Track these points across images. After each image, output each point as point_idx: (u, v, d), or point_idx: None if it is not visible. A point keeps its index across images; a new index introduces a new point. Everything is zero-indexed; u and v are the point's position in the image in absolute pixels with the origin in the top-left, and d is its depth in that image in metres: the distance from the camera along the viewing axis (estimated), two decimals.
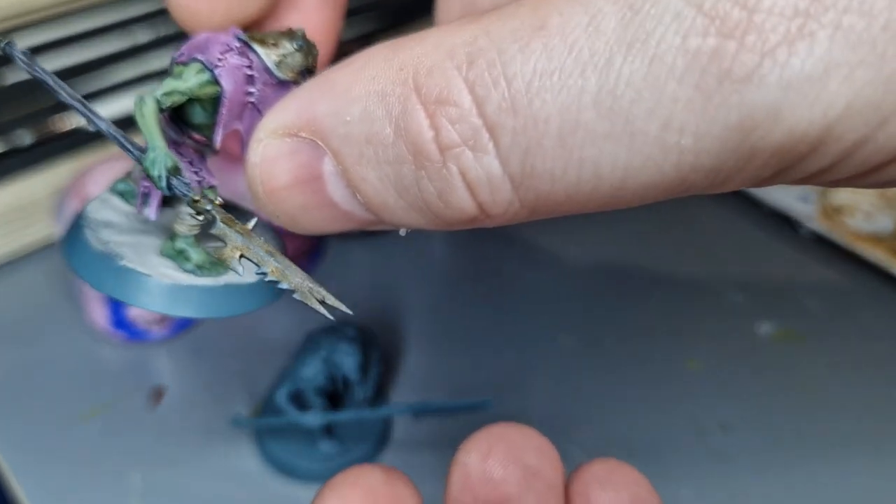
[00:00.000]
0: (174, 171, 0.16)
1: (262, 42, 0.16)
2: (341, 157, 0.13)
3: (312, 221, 0.15)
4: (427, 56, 0.13)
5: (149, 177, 0.16)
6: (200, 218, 0.17)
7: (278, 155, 0.14)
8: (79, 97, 0.17)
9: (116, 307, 0.31)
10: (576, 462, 0.29)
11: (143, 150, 0.16)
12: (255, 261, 0.17)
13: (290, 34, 0.16)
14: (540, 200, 0.13)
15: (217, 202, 0.17)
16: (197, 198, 0.16)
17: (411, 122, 0.13)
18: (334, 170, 0.14)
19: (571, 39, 0.12)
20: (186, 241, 0.17)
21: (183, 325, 0.33)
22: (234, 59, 0.16)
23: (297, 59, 0.16)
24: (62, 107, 0.39)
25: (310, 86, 0.14)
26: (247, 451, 0.29)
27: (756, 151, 0.12)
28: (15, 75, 0.41)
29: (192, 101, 0.16)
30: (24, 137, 0.38)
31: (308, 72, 0.16)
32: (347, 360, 0.27)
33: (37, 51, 0.42)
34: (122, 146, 0.17)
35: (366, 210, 0.14)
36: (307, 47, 0.16)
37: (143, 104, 0.16)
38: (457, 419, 0.30)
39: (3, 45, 0.17)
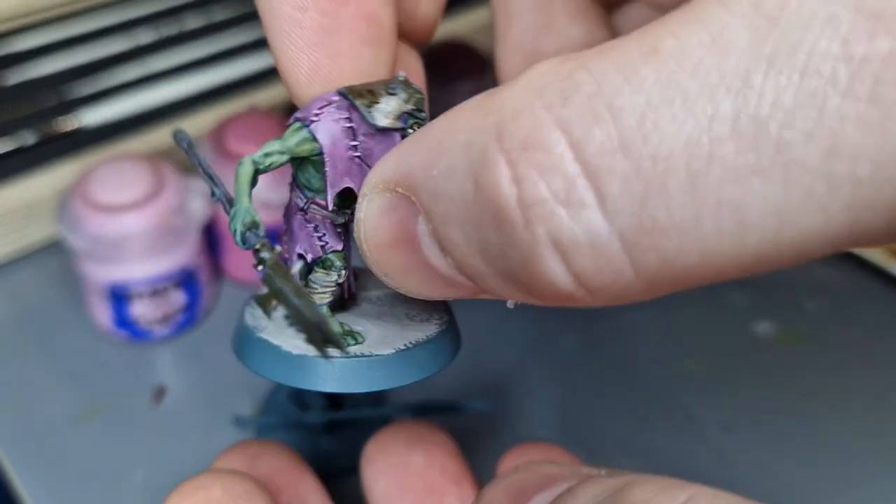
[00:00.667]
0: (251, 226, 0.16)
1: (359, 93, 0.15)
2: (431, 215, 0.12)
3: (416, 285, 0.13)
4: (515, 97, 0.11)
5: (231, 228, 0.16)
6: (330, 281, 0.16)
7: (380, 211, 0.13)
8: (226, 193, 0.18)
9: (119, 307, 0.31)
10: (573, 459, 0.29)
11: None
12: (287, 315, 0.16)
13: (388, 80, 0.16)
14: (663, 266, 0.10)
15: (275, 251, 0.15)
16: (257, 246, 0.15)
17: (488, 175, 0.10)
18: (426, 230, 0.12)
19: (694, 61, 0.09)
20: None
21: (185, 325, 0.33)
22: (331, 113, 0.15)
23: (393, 104, 0.15)
24: (65, 107, 0.39)
25: (411, 137, 0.13)
26: None
27: None
28: (17, 75, 0.41)
29: (304, 163, 0.16)
30: (28, 137, 0.38)
31: (411, 116, 0.15)
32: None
33: (38, 52, 0.42)
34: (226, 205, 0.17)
35: (459, 274, 0.12)
36: (405, 89, 0.15)
37: (240, 165, 0.16)
38: (457, 419, 0.30)
39: (174, 133, 0.18)
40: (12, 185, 0.35)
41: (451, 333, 0.17)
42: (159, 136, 0.38)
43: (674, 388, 0.32)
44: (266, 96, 0.41)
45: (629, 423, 0.31)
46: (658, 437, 0.30)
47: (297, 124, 0.15)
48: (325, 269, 0.16)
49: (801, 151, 0.09)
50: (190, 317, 0.33)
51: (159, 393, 0.31)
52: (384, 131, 0.15)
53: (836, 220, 0.09)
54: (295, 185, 0.16)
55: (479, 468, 0.30)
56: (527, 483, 0.14)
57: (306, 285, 0.17)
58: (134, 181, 0.30)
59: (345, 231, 0.16)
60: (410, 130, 0.15)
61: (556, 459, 0.19)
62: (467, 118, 0.11)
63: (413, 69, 0.19)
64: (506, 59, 0.19)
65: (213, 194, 0.18)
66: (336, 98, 0.15)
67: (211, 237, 0.34)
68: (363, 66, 0.16)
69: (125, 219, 0.29)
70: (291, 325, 0.16)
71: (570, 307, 0.11)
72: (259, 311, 0.17)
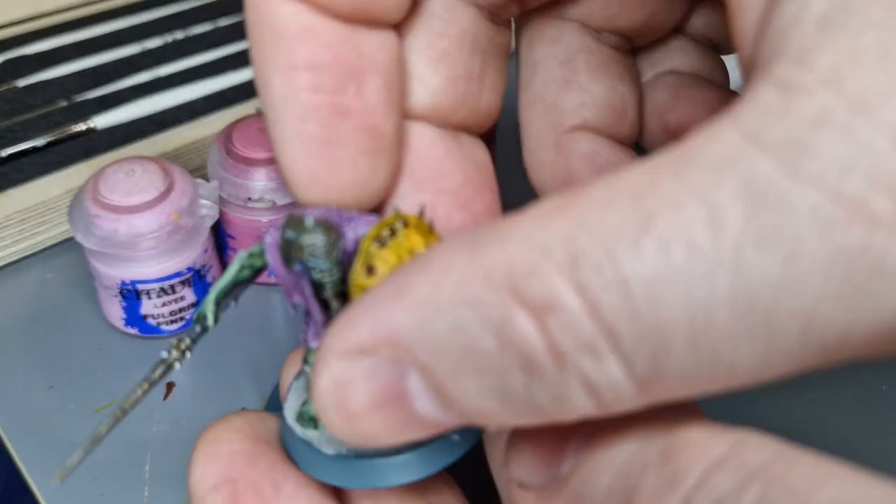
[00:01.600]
0: (199, 318, 0.18)
1: (293, 223, 0.15)
2: (432, 372, 0.12)
3: (394, 437, 0.13)
4: (520, 257, 0.11)
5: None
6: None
7: (354, 378, 0.13)
8: None
9: (130, 305, 0.32)
10: None
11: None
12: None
13: (327, 228, 0.15)
14: (666, 396, 0.12)
15: (185, 346, 0.18)
16: (177, 340, 0.17)
17: (517, 332, 0.11)
18: (422, 385, 0.12)
19: (690, 238, 0.11)
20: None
21: (192, 323, 0.34)
22: (275, 235, 0.16)
23: (309, 251, 0.15)
24: (77, 110, 0.40)
25: (380, 296, 0.12)
26: None
27: None
28: (30, 79, 0.42)
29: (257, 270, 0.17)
30: (40, 139, 0.39)
31: (318, 260, 0.15)
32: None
33: (50, 57, 0.43)
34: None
35: (459, 418, 0.13)
36: (327, 244, 0.15)
37: (232, 266, 0.17)
38: None
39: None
40: (26, 186, 0.36)
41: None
42: (168, 138, 0.39)
43: None
44: None
45: None
46: None
47: (259, 243, 0.17)
48: (306, 361, 0.18)
49: (784, 322, 0.11)
50: None
51: (167, 388, 0.32)
52: (296, 273, 0.16)
53: (805, 366, 0.11)
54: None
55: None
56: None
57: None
58: (144, 182, 0.31)
59: (309, 322, 0.17)
60: (322, 277, 0.15)
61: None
62: (462, 275, 0.12)
63: (480, 158, 0.20)
64: (528, 109, 0.20)
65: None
66: (280, 223, 0.16)
67: (219, 237, 0.35)
68: (361, 175, 0.16)
69: (135, 219, 0.30)
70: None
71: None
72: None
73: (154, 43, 0.46)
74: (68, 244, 0.38)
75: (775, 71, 0.11)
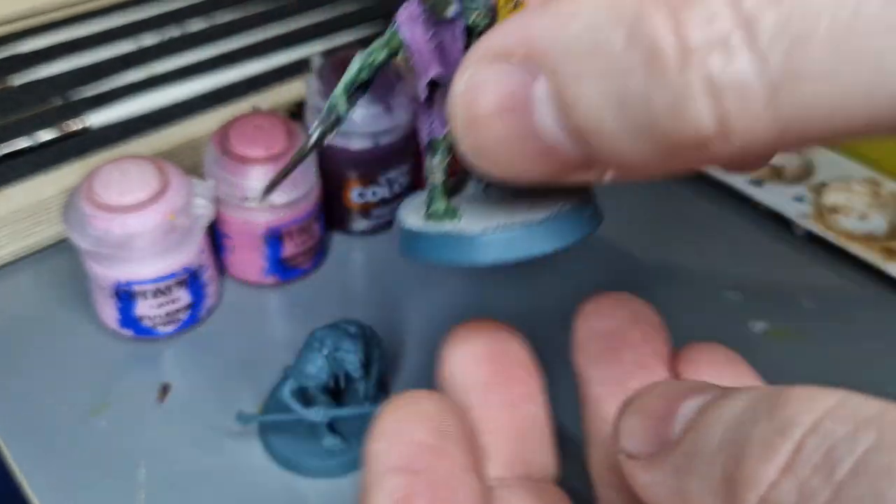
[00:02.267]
0: (331, 108, 0.19)
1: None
2: (558, 74, 0.12)
3: (509, 158, 0.13)
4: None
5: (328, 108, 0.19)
6: (436, 163, 0.18)
7: (486, 81, 0.13)
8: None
9: (124, 306, 0.32)
10: (573, 457, 0.30)
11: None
12: None
13: None
14: (797, 113, 0.11)
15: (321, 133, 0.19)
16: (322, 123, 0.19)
17: (647, 26, 0.11)
18: (546, 92, 0.12)
19: None
20: (435, 190, 0.18)
21: (188, 324, 0.34)
22: (412, 9, 0.17)
23: (476, 13, 0.16)
24: (71, 109, 0.40)
25: (525, 11, 0.13)
26: (251, 446, 0.30)
27: None
28: (24, 77, 0.42)
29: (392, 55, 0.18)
30: (34, 138, 0.38)
31: (486, 22, 0.16)
32: (350, 358, 0.27)
33: (45, 55, 0.43)
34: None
35: (573, 140, 0.12)
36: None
37: (352, 61, 0.18)
38: None
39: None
40: (19, 186, 0.36)
41: (591, 208, 0.18)
42: (164, 137, 0.39)
43: None
44: (268, 98, 0.42)
45: None
46: None
47: (391, 28, 0.17)
48: (432, 151, 0.18)
49: None
50: (194, 315, 0.33)
51: (163, 390, 0.32)
52: (450, 21, 0.16)
53: None
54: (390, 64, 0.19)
55: None
56: (679, 388, 0.14)
57: (430, 174, 0.18)
58: (139, 182, 0.30)
59: (439, 113, 0.18)
60: (477, 19, 0.16)
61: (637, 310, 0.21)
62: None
63: None
64: None
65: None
66: (413, 2, 0.17)
67: (214, 237, 0.35)
68: None
69: (130, 219, 0.30)
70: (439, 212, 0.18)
71: (700, 158, 0.12)
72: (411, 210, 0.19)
73: (149, 40, 0.45)
74: (63, 245, 0.37)
75: None
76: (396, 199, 0.39)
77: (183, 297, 0.32)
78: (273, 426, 0.30)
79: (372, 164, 0.37)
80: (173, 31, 0.46)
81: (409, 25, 0.17)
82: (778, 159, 0.44)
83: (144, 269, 0.31)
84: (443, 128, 0.18)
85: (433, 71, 0.17)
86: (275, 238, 0.34)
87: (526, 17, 0.13)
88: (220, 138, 0.33)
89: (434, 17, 0.16)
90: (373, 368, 0.28)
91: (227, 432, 0.30)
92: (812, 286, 0.38)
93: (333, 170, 0.37)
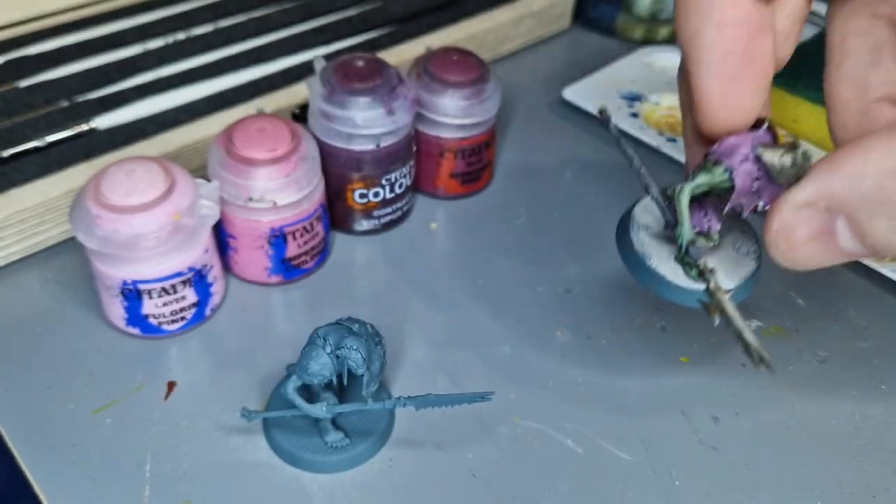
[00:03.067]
0: (691, 243, 0.25)
1: (775, 159, 0.23)
2: (854, 216, 0.20)
3: (819, 262, 0.22)
4: None
5: (677, 242, 0.26)
6: (708, 245, 0.26)
7: (798, 221, 0.21)
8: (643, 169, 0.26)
9: (131, 304, 0.32)
10: (570, 454, 0.30)
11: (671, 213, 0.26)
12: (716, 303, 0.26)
13: (793, 149, 0.23)
14: None
15: (708, 267, 0.26)
16: (698, 262, 0.26)
17: None
18: (845, 226, 0.20)
19: None
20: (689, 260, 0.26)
21: (194, 322, 0.34)
22: (747, 167, 0.24)
23: (791, 174, 0.23)
24: (78, 111, 0.40)
25: (820, 171, 0.20)
26: (255, 442, 0.30)
27: None
28: (32, 79, 0.42)
29: (712, 190, 0.25)
30: (42, 139, 0.39)
31: (797, 179, 0.22)
32: (353, 355, 0.28)
33: (52, 57, 0.43)
34: (661, 209, 0.26)
35: (867, 250, 0.21)
36: (803, 163, 0.23)
37: (681, 192, 0.25)
38: (458, 412, 0.31)
39: (603, 112, 0.27)
40: (26, 186, 0.36)
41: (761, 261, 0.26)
42: (169, 139, 0.39)
43: (667, 382, 0.33)
44: (272, 101, 0.42)
45: (624, 415, 0.32)
46: (652, 428, 0.31)
47: (723, 168, 0.24)
48: (706, 238, 0.26)
49: None
50: (199, 313, 0.34)
51: (169, 387, 0.32)
52: (777, 183, 0.23)
53: None
54: (712, 193, 0.25)
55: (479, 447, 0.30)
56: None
57: (683, 251, 0.26)
58: (145, 182, 0.31)
59: (719, 217, 0.26)
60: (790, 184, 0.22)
61: None
62: (885, 154, 0.19)
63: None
64: (838, 84, 0.25)
65: (646, 189, 0.26)
66: (752, 156, 0.23)
67: (219, 237, 0.35)
68: (754, 102, 0.24)
69: (136, 219, 0.30)
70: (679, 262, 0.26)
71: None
72: (643, 237, 0.27)
73: (155, 44, 0.46)
74: (69, 244, 0.38)
75: None
76: (397, 199, 0.39)
77: (189, 295, 0.33)
78: (277, 422, 0.30)
79: (374, 165, 0.37)
80: (179, 36, 0.47)
81: (742, 172, 0.24)
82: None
83: (150, 268, 0.31)
84: (718, 226, 0.26)
85: (739, 200, 0.24)
86: (278, 238, 0.35)
87: (823, 175, 0.20)
88: (224, 140, 0.34)
89: (768, 176, 0.23)
90: (374, 365, 0.28)
91: (232, 429, 0.30)
92: (806, 285, 0.38)
93: (336, 171, 0.37)
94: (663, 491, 0.29)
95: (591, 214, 0.42)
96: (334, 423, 0.30)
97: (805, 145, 0.25)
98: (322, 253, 0.37)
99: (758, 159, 0.23)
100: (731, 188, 0.24)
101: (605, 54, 0.54)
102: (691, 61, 0.24)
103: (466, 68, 0.39)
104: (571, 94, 0.48)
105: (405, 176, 0.39)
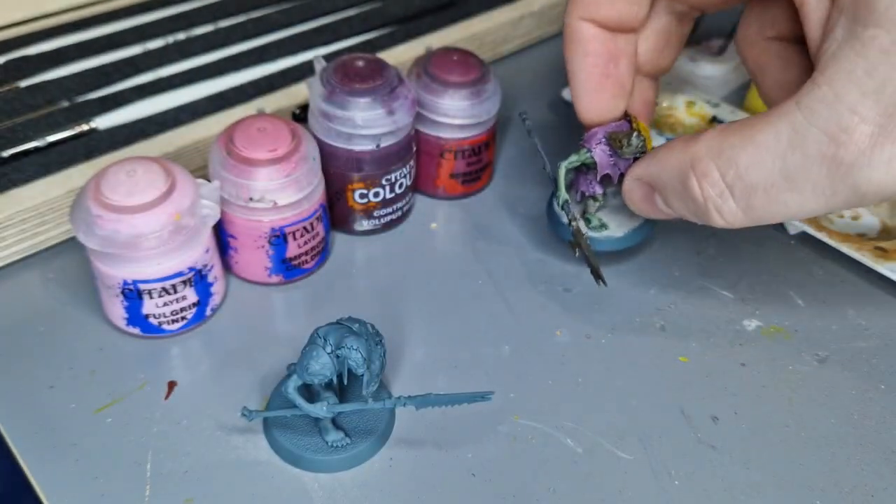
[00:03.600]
0: (565, 204, 0.34)
1: (618, 141, 0.33)
2: (662, 193, 0.31)
3: (647, 212, 0.32)
4: (701, 151, 0.28)
5: (557, 203, 0.35)
6: (595, 205, 0.36)
7: (635, 187, 0.32)
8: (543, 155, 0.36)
9: (132, 304, 0.32)
10: (570, 453, 0.30)
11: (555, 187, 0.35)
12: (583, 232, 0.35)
13: (630, 134, 0.32)
14: (750, 216, 0.27)
15: (575, 221, 0.34)
16: (569, 217, 0.34)
17: (689, 183, 0.28)
18: (659, 195, 0.31)
19: (766, 149, 0.26)
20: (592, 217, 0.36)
21: (194, 322, 0.34)
22: (601, 148, 0.33)
23: (634, 150, 0.32)
24: (79, 111, 0.40)
25: (647, 158, 0.31)
26: (256, 442, 0.30)
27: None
28: (32, 79, 0.42)
29: (584, 165, 0.34)
30: (42, 139, 0.39)
31: (637, 153, 0.33)
32: (353, 354, 0.28)
33: (52, 57, 0.43)
34: (551, 181, 0.35)
35: (674, 213, 0.31)
36: (640, 141, 0.32)
37: (559, 167, 0.34)
38: (458, 411, 0.31)
39: (521, 115, 0.37)
40: (27, 186, 0.36)
41: (652, 225, 0.37)
42: (170, 139, 0.39)
43: (667, 382, 0.33)
44: (273, 101, 0.42)
45: (623, 415, 0.32)
46: (651, 427, 0.31)
47: (585, 150, 0.34)
48: (594, 199, 0.36)
49: (806, 184, 0.26)
50: (200, 313, 0.34)
51: (169, 387, 0.32)
52: (626, 159, 0.33)
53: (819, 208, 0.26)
54: (585, 167, 0.35)
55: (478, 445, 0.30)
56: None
57: (585, 209, 0.36)
58: (146, 183, 0.31)
59: (600, 185, 0.35)
60: (636, 157, 0.33)
61: None
62: (677, 154, 0.29)
63: (648, 96, 0.36)
64: (767, 90, 0.33)
65: (544, 168, 0.36)
66: (604, 140, 0.33)
67: (220, 236, 0.35)
68: (615, 106, 0.34)
69: (137, 219, 0.30)
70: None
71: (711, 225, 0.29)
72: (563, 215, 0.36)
73: (155, 44, 0.46)
74: (70, 244, 0.38)
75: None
76: (397, 199, 0.39)
77: (189, 295, 0.33)
78: (277, 422, 0.30)
79: (374, 165, 0.37)
80: (179, 36, 0.47)
81: (598, 152, 0.33)
82: None
83: (151, 268, 0.32)
84: (600, 191, 0.35)
85: (604, 171, 0.34)
86: (279, 238, 0.35)
87: (646, 164, 0.31)
88: (225, 140, 0.34)
89: (616, 153, 0.33)
90: (374, 365, 0.28)
91: (233, 428, 0.31)
92: (805, 285, 0.38)
93: (336, 171, 0.37)
94: (662, 490, 0.29)
95: None
96: (334, 422, 0.30)
97: (644, 131, 0.33)
98: (322, 253, 0.37)
99: (607, 142, 0.33)
100: (595, 163, 0.33)
101: None
102: (570, 78, 0.34)
103: (466, 68, 0.39)
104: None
105: (405, 176, 0.39)
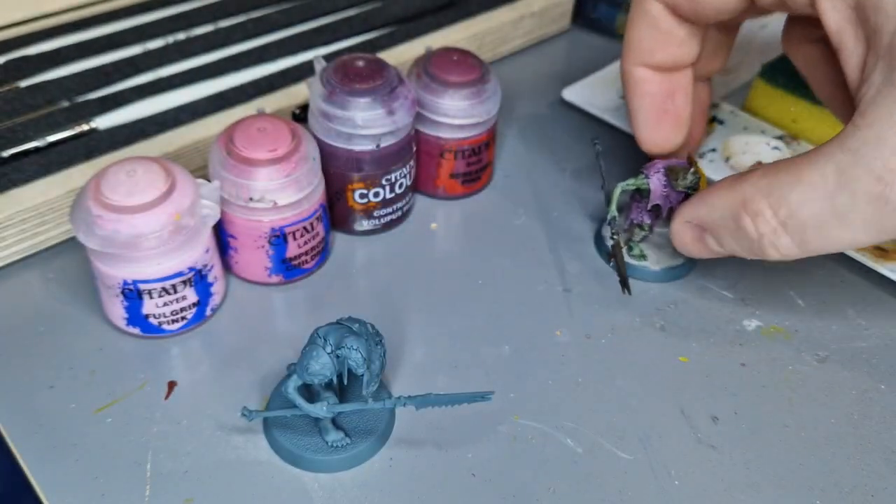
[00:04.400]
0: (612, 220, 0.36)
1: (674, 173, 0.35)
2: (714, 234, 0.32)
3: (695, 252, 0.34)
4: (750, 191, 0.29)
5: (607, 216, 0.37)
6: (642, 234, 0.39)
7: (686, 230, 0.33)
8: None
9: (131, 304, 0.32)
10: (570, 453, 0.30)
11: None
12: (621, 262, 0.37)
13: (687, 170, 0.35)
14: (804, 249, 0.29)
15: (618, 236, 0.36)
16: (613, 231, 0.36)
17: (743, 223, 0.30)
18: (710, 236, 0.32)
19: (813, 188, 0.27)
20: (637, 247, 0.39)
21: (194, 322, 0.34)
22: (658, 177, 0.36)
23: (687, 185, 0.35)
24: (79, 111, 0.40)
25: (695, 202, 0.32)
26: (256, 442, 0.30)
27: None
28: (32, 79, 0.42)
29: (638, 191, 0.37)
30: (42, 139, 0.39)
31: (690, 189, 0.35)
32: (353, 354, 0.28)
33: (52, 57, 0.43)
34: (606, 199, 0.37)
35: (726, 251, 0.32)
36: (695, 178, 0.35)
37: (615, 187, 0.36)
38: (458, 411, 0.31)
39: (592, 140, 0.40)
40: (27, 186, 0.36)
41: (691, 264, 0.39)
42: (170, 139, 0.39)
43: (667, 382, 0.33)
44: (273, 101, 0.42)
45: (623, 415, 0.32)
46: (651, 427, 0.31)
47: (643, 175, 0.36)
48: (640, 228, 0.38)
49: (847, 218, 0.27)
50: (200, 313, 0.34)
51: (169, 387, 0.32)
52: (679, 191, 0.35)
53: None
54: (639, 194, 0.37)
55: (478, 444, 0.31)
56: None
57: (630, 236, 0.38)
58: (146, 183, 0.31)
59: (649, 215, 0.37)
60: (690, 192, 0.35)
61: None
62: (726, 194, 0.31)
63: (703, 98, 0.39)
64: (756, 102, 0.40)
65: (602, 187, 0.38)
66: (662, 171, 0.36)
67: (220, 236, 0.35)
68: (675, 139, 0.37)
69: (137, 219, 0.30)
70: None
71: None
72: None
73: (156, 44, 0.46)
74: (70, 244, 0.38)
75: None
76: (397, 199, 0.39)
77: (189, 295, 0.33)
78: (277, 422, 0.30)
79: (374, 165, 0.37)
80: (180, 36, 0.47)
81: (654, 180, 0.36)
82: (771, 160, 0.45)
83: (151, 268, 0.32)
84: (649, 220, 0.37)
85: (656, 200, 0.36)
86: (279, 238, 0.35)
87: (697, 203, 0.32)
88: (225, 140, 0.34)
89: (671, 185, 0.35)
90: (374, 365, 0.28)
91: (233, 428, 0.31)
92: (805, 285, 0.38)
93: (336, 171, 0.37)
94: (662, 490, 0.29)
95: (591, 214, 0.42)
96: (335, 422, 0.30)
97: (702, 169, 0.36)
98: (322, 253, 0.37)
99: (665, 172, 0.35)
100: (649, 190, 0.36)
101: (605, 54, 0.54)
102: (630, 114, 0.37)
103: (466, 69, 0.39)
104: (571, 94, 0.48)
105: (405, 176, 0.39)
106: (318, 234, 0.36)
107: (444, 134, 0.40)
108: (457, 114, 0.39)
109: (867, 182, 0.26)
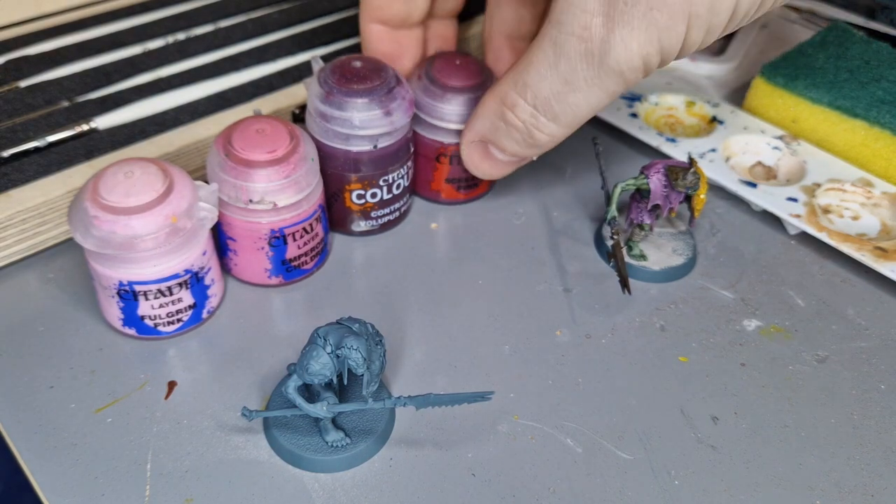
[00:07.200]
0: (612, 220, 0.36)
1: (675, 173, 0.35)
2: (494, 142, 0.35)
3: (494, 172, 0.37)
4: (504, 88, 0.32)
5: (606, 216, 0.37)
6: (642, 233, 0.39)
7: (472, 149, 0.36)
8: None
9: (127, 305, 0.32)
10: (570, 453, 0.30)
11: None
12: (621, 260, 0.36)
13: (687, 170, 0.35)
14: (561, 123, 0.32)
15: (618, 238, 0.36)
16: (613, 231, 0.36)
17: (508, 118, 0.33)
18: (493, 147, 0.35)
19: (541, 64, 0.30)
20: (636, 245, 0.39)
21: (191, 323, 0.34)
22: (658, 177, 0.36)
23: (687, 184, 0.35)
24: (78, 111, 0.40)
25: (471, 116, 0.36)
26: (256, 441, 0.30)
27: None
28: (32, 79, 0.42)
29: (638, 190, 0.37)
30: (41, 140, 0.39)
31: (690, 189, 0.36)
32: (353, 354, 0.28)
33: (52, 57, 0.43)
34: (606, 198, 0.37)
35: (510, 156, 0.35)
36: (695, 178, 0.35)
37: (615, 186, 0.36)
38: (458, 411, 0.31)
39: (593, 139, 0.40)
40: (27, 186, 0.36)
41: (693, 259, 0.39)
42: (170, 139, 0.39)
43: (667, 382, 0.33)
44: (271, 102, 0.42)
45: (623, 415, 0.32)
46: (651, 427, 0.31)
47: (643, 175, 0.36)
48: (640, 228, 0.38)
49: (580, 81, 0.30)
50: (196, 316, 0.34)
51: (169, 387, 0.32)
52: (677, 190, 0.36)
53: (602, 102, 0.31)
54: (639, 194, 0.37)
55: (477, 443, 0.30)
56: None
57: (630, 236, 0.39)
58: (143, 184, 0.31)
59: (649, 215, 0.37)
60: (690, 192, 0.36)
61: None
62: (489, 101, 0.34)
63: (448, 33, 0.42)
64: (487, 32, 0.41)
65: (602, 187, 0.38)
66: (663, 171, 0.36)
67: (218, 239, 0.35)
68: (415, 42, 0.40)
69: (134, 220, 0.30)
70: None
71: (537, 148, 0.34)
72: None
73: (155, 44, 0.46)
74: (69, 244, 0.38)
75: None
76: (395, 200, 0.39)
77: (185, 297, 0.33)
78: (277, 422, 0.30)
79: (371, 166, 0.37)
80: (179, 36, 0.47)
81: (654, 180, 0.36)
82: (771, 160, 0.45)
83: (147, 269, 0.31)
84: (649, 220, 0.37)
85: (656, 200, 0.36)
86: (278, 239, 0.35)
87: (471, 122, 0.36)
88: (223, 142, 0.34)
89: (671, 185, 0.36)
90: (374, 365, 0.28)
91: (233, 428, 0.31)
92: (805, 285, 0.38)
93: (334, 172, 0.37)
94: (662, 490, 0.29)
95: (591, 214, 0.42)
96: (334, 422, 0.30)
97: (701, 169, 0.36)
98: (322, 253, 0.37)
99: (665, 172, 0.36)
100: (649, 191, 0.36)
101: None
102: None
103: (468, 74, 0.39)
104: None
105: (403, 177, 0.39)
106: (317, 234, 0.36)
107: (442, 138, 0.40)
108: (453, 118, 0.39)
109: (574, 43, 0.29)
